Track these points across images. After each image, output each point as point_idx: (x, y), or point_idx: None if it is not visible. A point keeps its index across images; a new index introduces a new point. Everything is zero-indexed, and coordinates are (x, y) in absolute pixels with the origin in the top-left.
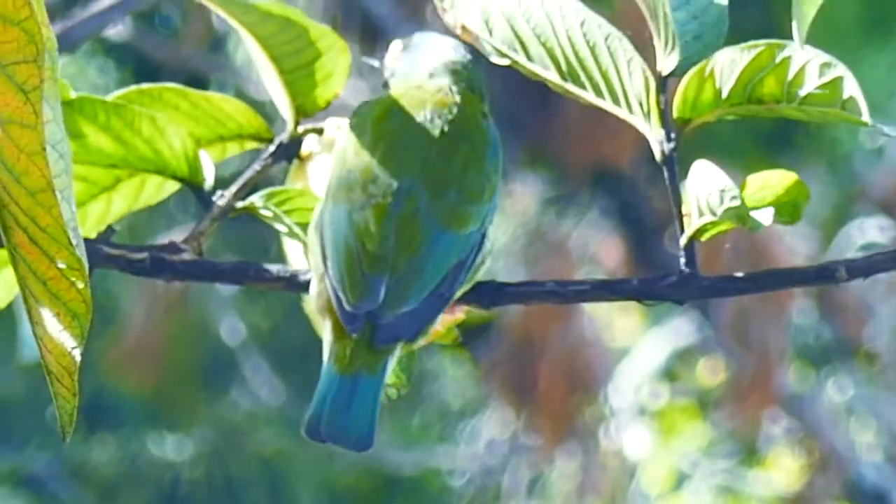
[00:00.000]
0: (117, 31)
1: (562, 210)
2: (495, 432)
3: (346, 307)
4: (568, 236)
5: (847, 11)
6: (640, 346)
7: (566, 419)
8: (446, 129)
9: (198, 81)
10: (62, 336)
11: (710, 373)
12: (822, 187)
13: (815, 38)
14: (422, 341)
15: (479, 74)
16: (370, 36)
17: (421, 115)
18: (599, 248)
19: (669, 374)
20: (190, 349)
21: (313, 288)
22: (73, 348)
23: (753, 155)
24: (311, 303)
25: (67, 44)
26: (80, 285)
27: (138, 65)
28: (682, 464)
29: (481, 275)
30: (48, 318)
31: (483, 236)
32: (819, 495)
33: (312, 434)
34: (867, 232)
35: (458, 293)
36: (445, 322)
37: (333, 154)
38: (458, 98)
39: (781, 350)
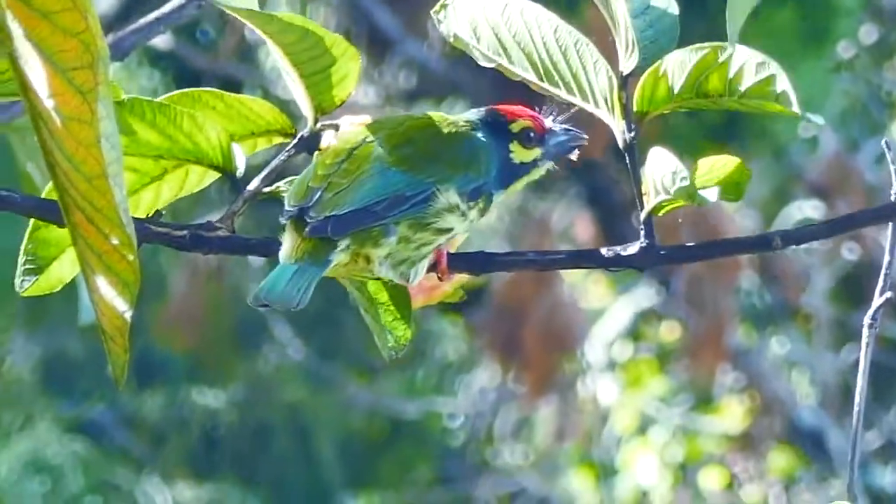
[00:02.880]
0: (161, 41)
1: (542, 194)
2: (486, 383)
3: (287, 207)
4: (548, 216)
5: (785, 22)
6: (609, 310)
7: (547, 372)
8: (432, 124)
9: (232, 86)
10: (115, 301)
11: (669, 332)
12: (764, 174)
13: (756, 45)
14: (422, 300)
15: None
16: (377, 45)
17: (415, 115)
18: (575, 225)
19: (635, 333)
20: (226, 314)
21: None
22: (124, 311)
23: (705, 146)
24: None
25: (118, 52)
26: (130, 258)
27: (180, 72)
28: (646, 409)
29: (448, 232)
30: (103, 286)
31: (436, 193)
32: (763, 435)
33: (255, 301)
34: (804, 211)
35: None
36: (452, 283)
37: None
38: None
39: (730, 312)
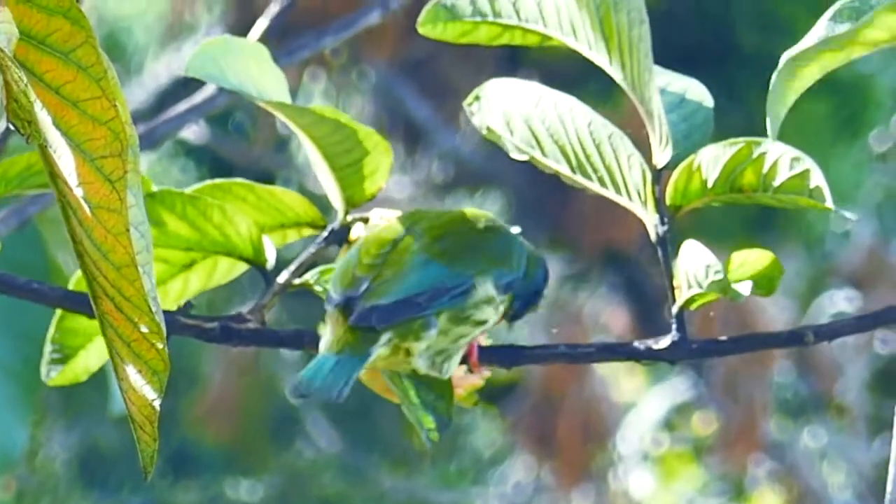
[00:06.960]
0: (195, 133)
1: (577, 285)
2: (521, 476)
3: (334, 296)
4: (582, 308)
5: (818, 113)
6: (643, 402)
7: (581, 464)
8: (473, 221)
9: (266, 177)
10: (144, 389)
11: (703, 424)
12: (798, 264)
13: (791, 135)
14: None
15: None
16: (412, 136)
17: (451, 210)
18: (609, 317)
19: (669, 425)
20: (260, 406)
21: None
22: (153, 400)
23: (740, 237)
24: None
25: (150, 142)
26: (160, 346)
27: (214, 164)
28: (680, 502)
29: (484, 324)
30: (132, 374)
31: (475, 286)
32: None
33: (295, 392)
34: (837, 303)
35: (464, 337)
36: (466, 387)
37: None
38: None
39: (764, 404)
